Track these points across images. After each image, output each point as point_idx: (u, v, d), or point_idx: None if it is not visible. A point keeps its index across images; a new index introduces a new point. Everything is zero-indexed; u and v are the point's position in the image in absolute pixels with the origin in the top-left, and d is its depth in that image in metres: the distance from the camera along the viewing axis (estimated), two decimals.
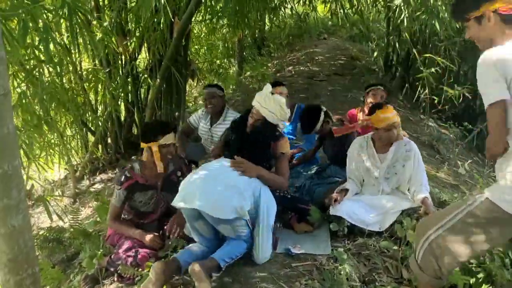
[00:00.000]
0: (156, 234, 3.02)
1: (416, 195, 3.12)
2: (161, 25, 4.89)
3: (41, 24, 2.63)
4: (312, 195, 3.56)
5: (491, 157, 1.99)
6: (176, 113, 6.36)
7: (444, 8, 3.70)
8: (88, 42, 3.41)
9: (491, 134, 1.89)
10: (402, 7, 3.76)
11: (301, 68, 9.41)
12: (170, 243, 2.99)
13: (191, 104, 9.20)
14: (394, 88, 7.97)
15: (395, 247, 2.86)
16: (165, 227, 3.13)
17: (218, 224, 2.63)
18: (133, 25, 5.36)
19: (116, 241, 3.14)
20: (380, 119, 3.16)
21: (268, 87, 3.02)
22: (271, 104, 2.94)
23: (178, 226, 3.00)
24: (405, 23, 3.81)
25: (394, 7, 3.83)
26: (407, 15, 3.77)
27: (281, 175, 2.94)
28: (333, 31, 13.48)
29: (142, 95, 6.76)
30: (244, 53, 10.31)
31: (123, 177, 3.11)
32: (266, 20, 9.02)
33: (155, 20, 4.95)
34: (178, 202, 2.62)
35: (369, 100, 4.11)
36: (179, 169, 3.26)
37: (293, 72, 9.08)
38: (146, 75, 5.87)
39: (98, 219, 3.95)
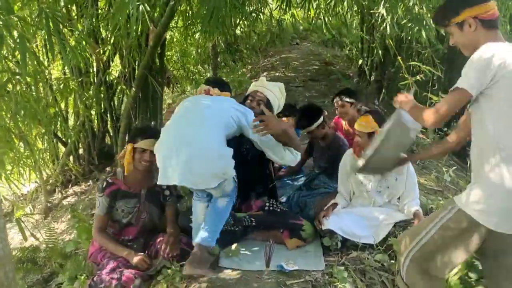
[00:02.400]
0: (144, 255, 2.87)
1: (408, 207, 3.08)
2: (137, 32, 4.72)
3: (15, 35, 2.47)
4: (302, 207, 3.47)
5: (426, 124, 2.01)
6: (153, 122, 6.17)
7: (429, 15, 3.72)
8: (64, 50, 3.22)
9: (438, 109, 1.88)
10: (385, 14, 3.74)
11: (277, 74, 9.37)
12: (158, 263, 2.85)
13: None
14: (370, 93, 8.01)
15: (392, 261, 2.80)
16: (152, 246, 3.00)
17: (203, 190, 2.77)
18: (107, 33, 5.16)
19: (99, 259, 2.97)
20: (358, 123, 3.17)
21: (264, 78, 3.18)
22: (272, 87, 3.10)
23: (172, 246, 2.87)
24: (388, 30, 3.78)
25: (377, 14, 3.80)
26: (389, 22, 3.75)
27: None
28: (304, 36, 13.52)
29: (117, 104, 6.56)
30: (218, 59, 10.19)
31: (105, 183, 2.99)
32: (240, 26, 8.96)
33: (131, 27, 4.78)
34: (160, 180, 2.63)
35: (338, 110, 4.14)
36: None
37: (269, 78, 8.99)
38: (121, 84, 5.67)
39: (75, 236, 3.78)
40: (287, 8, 4.81)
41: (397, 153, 2.39)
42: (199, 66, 10.61)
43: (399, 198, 3.24)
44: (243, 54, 11.39)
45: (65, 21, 3.66)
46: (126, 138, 5.57)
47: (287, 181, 3.93)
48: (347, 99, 4.04)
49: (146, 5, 3.69)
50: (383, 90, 6.88)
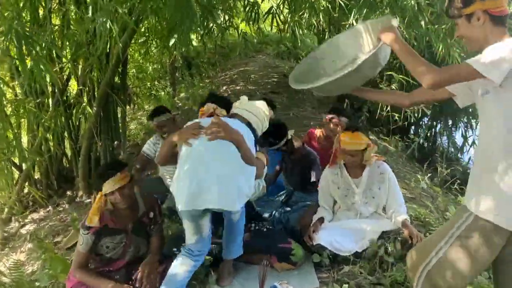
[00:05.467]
0: (128, 286, 2.69)
1: (395, 216, 3.07)
2: (103, 50, 4.54)
3: None
4: (284, 223, 3.41)
5: (426, 83, 1.88)
6: (115, 142, 5.94)
7: (402, 27, 3.79)
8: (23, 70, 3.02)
9: (442, 70, 1.83)
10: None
11: (237, 87, 9.30)
12: None
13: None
14: (328, 103, 8.12)
15: (384, 273, 2.77)
16: (134, 276, 2.82)
17: (230, 213, 2.63)
18: (67, 50, 4.93)
19: None
20: (344, 140, 3.09)
21: (245, 98, 2.97)
22: (252, 107, 2.89)
23: (149, 274, 2.72)
24: None
25: (347, 26, 3.83)
26: None
27: None
28: (259, 49, 13.57)
29: (76, 125, 6.26)
30: (177, 74, 10.02)
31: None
32: (195, 40, 8.87)
33: (92, 44, 4.60)
34: (185, 207, 2.47)
35: (331, 127, 4.03)
36: (151, 210, 2.95)
37: (229, 92, 8.93)
38: (82, 103, 5.42)
39: (39, 267, 3.51)
40: (255, 21, 4.78)
41: (356, 83, 2.31)
42: (156, 82, 10.38)
43: (384, 208, 3.23)
44: (200, 69, 11.26)
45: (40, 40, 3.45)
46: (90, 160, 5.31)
47: (268, 198, 3.85)
48: (343, 118, 3.98)
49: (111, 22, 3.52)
50: (346, 100, 6.95)
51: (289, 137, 3.63)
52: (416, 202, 4.21)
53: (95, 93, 5.52)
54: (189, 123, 2.77)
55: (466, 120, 7.82)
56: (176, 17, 2.85)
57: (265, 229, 3.10)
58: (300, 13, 3.65)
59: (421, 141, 6.21)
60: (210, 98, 3.12)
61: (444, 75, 1.81)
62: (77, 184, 5.96)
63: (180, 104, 9.22)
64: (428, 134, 8.30)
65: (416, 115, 6.89)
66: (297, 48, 12.39)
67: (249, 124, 2.85)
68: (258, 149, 2.93)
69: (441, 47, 4.15)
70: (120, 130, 6.00)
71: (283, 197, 3.79)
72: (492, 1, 1.85)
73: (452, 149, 8.13)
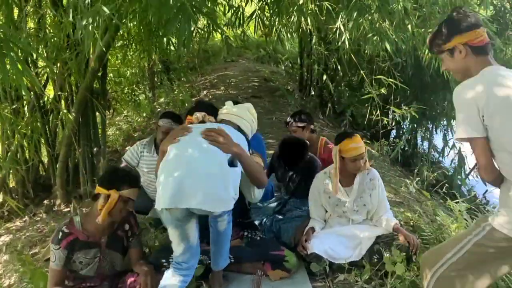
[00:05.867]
0: None
1: (387, 221, 3.03)
2: (80, 53, 4.38)
3: None
4: (276, 233, 3.32)
5: (489, 182, 1.98)
6: (95, 149, 5.76)
7: (390, 31, 3.78)
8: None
9: (478, 164, 1.92)
10: (343, 29, 3.74)
11: (218, 92, 9.22)
12: None
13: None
14: (312, 107, 8.12)
15: (380, 280, 2.72)
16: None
17: (216, 220, 2.52)
18: (44, 54, 4.75)
19: None
20: (348, 148, 3.00)
21: (230, 103, 2.91)
22: (240, 112, 2.81)
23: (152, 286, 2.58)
24: (347, 45, 3.79)
25: (334, 29, 3.79)
26: (347, 36, 3.76)
27: None
28: (239, 53, 13.54)
29: (53, 131, 6.06)
30: (156, 79, 9.86)
31: (61, 233, 2.59)
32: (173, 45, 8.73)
33: (71, 48, 4.45)
34: (167, 205, 2.28)
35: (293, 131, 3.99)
36: (127, 222, 2.81)
37: (210, 96, 8.84)
38: (60, 109, 5.24)
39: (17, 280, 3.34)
40: (240, 25, 4.71)
41: None
42: (134, 87, 10.18)
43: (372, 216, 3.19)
44: (179, 73, 11.12)
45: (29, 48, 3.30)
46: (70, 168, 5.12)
47: (258, 204, 3.74)
48: (299, 124, 3.93)
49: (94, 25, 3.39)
50: (329, 105, 6.94)
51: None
52: (404, 206, 4.20)
53: (74, 98, 5.34)
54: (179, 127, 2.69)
55: (446, 123, 7.90)
56: (170, 16, 2.75)
57: (258, 238, 3.02)
58: (288, 17, 3.60)
59: (403, 144, 6.23)
60: (199, 106, 3.02)
61: (484, 164, 1.88)
62: (55, 193, 5.76)
63: (159, 109, 9.07)
64: (409, 137, 8.36)
65: (397, 118, 6.93)
66: (277, 52, 12.41)
67: (239, 129, 2.77)
68: (251, 152, 2.86)
69: (427, 51, 4.16)
70: (100, 136, 5.81)
71: (274, 204, 3.69)
72: (470, 33, 1.95)
73: (434, 153, 8.22)
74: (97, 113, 5.83)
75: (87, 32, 3.34)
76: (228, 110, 2.85)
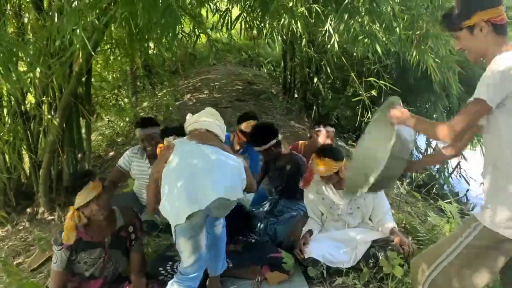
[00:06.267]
0: None
1: (382, 224, 3.04)
2: (68, 58, 4.28)
3: None
4: (271, 236, 3.29)
5: (446, 141, 1.92)
6: (79, 155, 5.64)
7: (380, 33, 3.80)
8: None
9: (455, 124, 1.80)
10: (332, 32, 3.75)
11: (201, 95, 9.15)
12: None
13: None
14: (297, 110, 8.13)
15: (378, 283, 2.71)
16: None
17: (213, 224, 2.53)
18: (26, 58, 4.63)
19: None
20: (316, 168, 3.10)
21: (190, 115, 2.84)
22: (208, 117, 2.72)
23: None
24: (336, 47, 3.80)
25: (323, 32, 3.80)
26: (337, 39, 3.77)
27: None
28: (220, 57, 13.48)
29: (35, 137, 5.91)
30: (138, 83, 9.73)
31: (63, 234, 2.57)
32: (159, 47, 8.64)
33: (53, 53, 4.33)
34: (189, 211, 2.17)
35: (320, 140, 4.02)
36: (131, 224, 2.77)
37: (194, 100, 8.76)
38: (44, 114, 5.11)
39: None
40: (228, 27, 4.67)
41: (400, 167, 2.29)
42: (116, 91, 10.02)
43: (370, 218, 3.20)
44: (162, 77, 10.99)
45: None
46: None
47: (251, 209, 3.72)
48: (331, 129, 4.01)
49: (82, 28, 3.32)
50: (314, 108, 6.96)
51: (279, 138, 3.58)
52: (394, 208, 4.22)
53: (57, 103, 5.22)
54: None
55: None
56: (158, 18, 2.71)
57: (253, 241, 2.99)
58: (277, 20, 3.59)
59: None
60: (166, 131, 3.12)
61: (459, 127, 1.78)
62: (38, 201, 5.62)
63: (142, 113, 8.96)
64: None
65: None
66: (260, 55, 12.41)
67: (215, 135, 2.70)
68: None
69: (414, 53, 4.21)
70: (84, 142, 5.70)
71: (266, 206, 3.68)
72: (494, 9, 1.86)
73: (416, 153, 8.32)
74: (81, 119, 5.72)
75: (75, 35, 3.28)
76: (196, 119, 2.72)
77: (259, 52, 12.71)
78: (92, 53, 4.12)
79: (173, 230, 2.30)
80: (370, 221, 3.19)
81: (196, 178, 2.23)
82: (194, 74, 11.34)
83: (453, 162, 7.95)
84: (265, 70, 11.74)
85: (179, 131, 2.91)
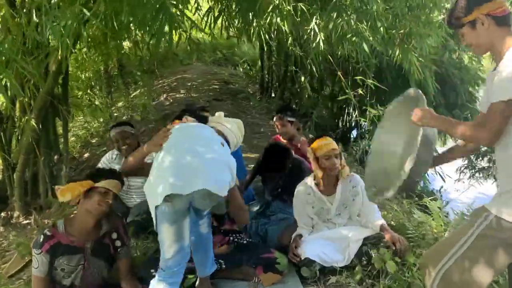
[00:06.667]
0: None
1: (372, 222, 3.06)
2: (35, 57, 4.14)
3: None
4: (262, 236, 3.27)
5: (487, 145, 1.91)
6: (56, 157, 5.48)
7: (367, 32, 3.82)
8: None
9: (490, 125, 1.78)
10: (317, 30, 3.75)
11: (178, 95, 9.04)
12: None
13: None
14: (275, 109, 8.12)
15: (371, 281, 2.72)
16: None
17: (198, 224, 2.47)
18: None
19: None
20: (319, 146, 3.07)
21: (221, 113, 2.92)
22: (228, 122, 2.81)
23: None
24: (321, 46, 3.80)
25: (309, 31, 3.80)
26: (322, 38, 3.77)
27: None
28: (196, 56, 13.33)
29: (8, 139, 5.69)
30: (113, 83, 9.54)
31: (43, 237, 2.48)
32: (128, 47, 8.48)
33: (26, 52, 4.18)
34: (170, 190, 2.15)
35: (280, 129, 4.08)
36: (116, 230, 2.67)
37: (171, 100, 8.65)
38: (20, 115, 4.94)
39: None
40: (211, 25, 4.61)
41: (426, 168, 2.26)
42: (89, 91, 9.78)
43: (358, 214, 3.21)
44: (135, 77, 10.80)
45: None
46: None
47: None
48: (289, 118, 3.98)
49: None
50: (293, 106, 6.99)
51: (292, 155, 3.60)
52: (379, 206, 4.25)
53: (32, 104, 5.05)
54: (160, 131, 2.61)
55: None
56: (149, 16, 2.65)
57: (245, 241, 2.95)
58: (264, 18, 3.56)
59: (368, 144, 6.35)
60: (187, 110, 2.97)
61: (494, 129, 1.77)
62: (12, 204, 5.42)
63: (117, 114, 8.78)
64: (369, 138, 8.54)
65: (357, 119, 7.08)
66: (235, 55, 12.36)
67: (225, 139, 2.73)
68: None
69: (397, 51, 4.26)
70: (62, 143, 5.54)
71: (257, 207, 3.65)
72: (492, 2, 1.86)
73: None
74: (57, 119, 5.56)
75: (54, 33, 3.17)
76: (217, 118, 2.85)
77: (234, 51, 12.67)
78: (73, 50, 3.98)
79: (153, 214, 2.26)
80: (358, 218, 3.20)
81: (188, 163, 2.24)
82: (169, 73, 11.18)
83: None
84: (241, 70, 11.70)
85: (199, 115, 2.88)
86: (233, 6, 4.55)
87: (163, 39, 2.80)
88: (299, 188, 3.24)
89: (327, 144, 3.04)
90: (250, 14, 3.85)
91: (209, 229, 2.57)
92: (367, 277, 2.78)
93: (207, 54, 13.28)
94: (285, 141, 4.18)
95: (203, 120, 2.81)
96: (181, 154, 2.30)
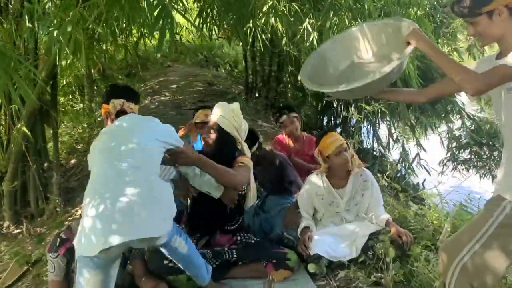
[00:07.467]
0: None
1: (377, 217, 3.11)
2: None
3: None
4: (267, 231, 3.32)
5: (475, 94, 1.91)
6: (46, 164, 5.39)
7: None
8: None
9: (487, 77, 1.80)
10: (310, 29, 3.79)
11: (162, 98, 8.97)
12: None
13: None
14: (261, 109, 8.18)
15: (378, 274, 2.77)
16: None
17: (171, 249, 2.31)
18: None
19: None
20: (326, 144, 3.08)
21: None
22: (222, 110, 2.85)
23: None
24: (315, 45, 3.84)
25: (301, 30, 3.84)
26: (315, 37, 3.82)
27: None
28: (175, 58, 13.24)
29: None
30: (95, 87, 9.40)
31: (59, 240, 2.48)
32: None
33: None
34: (105, 244, 1.92)
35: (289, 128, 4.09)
36: None
37: (156, 103, 8.58)
38: (8, 123, 4.84)
39: None
40: (203, 27, 4.61)
41: (381, 86, 2.27)
42: (71, 96, 9.63)
43: (365, 211, 3.25)
44: (118, 80, 10.66)
45: None
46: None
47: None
48: (295, 114, 4.04)
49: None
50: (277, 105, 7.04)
51: (261, 140, 3.60)
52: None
53: (20, 111, 4.95)
54: None
55: (389, 119, 8.26)
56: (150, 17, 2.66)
57: (253, 241, 2.96)
58: (259, 18, 3.59)
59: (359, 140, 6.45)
60: (114, 91, 2.71)
61: (487, 83, 1.80)
62: (2, 214, 5.32)
63: (100, 119, 8.66)
64: (354, 133, 8.65)
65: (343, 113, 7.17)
66: (216, 56, 12.33)
67: (218, 127, 2.82)
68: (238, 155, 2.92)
69: None
70: (52, 150, 5.45)
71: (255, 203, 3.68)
72: None
73: (379, 147, 8.58)
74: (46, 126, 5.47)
75: (51, 38, 3.14)
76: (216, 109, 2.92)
77: (216, 52, 12.64)
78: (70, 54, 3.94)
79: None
80: (364, 215, 3.25)
81: (119, 209, 1.99)
82: (151, 76, 11.08)
83: (413, 154, 8.25)
84: (223, 71, 11.68)
85: (130, 93, 2.67)
86: (223, 8, 4.55)
87: (170, 41, 2.80)
88: (311, 178, 3.25)
89: (334, 141, 3.05)
90: (244, 14, 3.87)
91: (189, 245, 2.41)
92: (374, 270, 2.83)
93: (189, 56, 13.21)
94: (291, 142, 4.19)
95: (135, 98, 2.69)
96: (108, 199, 2.03)
